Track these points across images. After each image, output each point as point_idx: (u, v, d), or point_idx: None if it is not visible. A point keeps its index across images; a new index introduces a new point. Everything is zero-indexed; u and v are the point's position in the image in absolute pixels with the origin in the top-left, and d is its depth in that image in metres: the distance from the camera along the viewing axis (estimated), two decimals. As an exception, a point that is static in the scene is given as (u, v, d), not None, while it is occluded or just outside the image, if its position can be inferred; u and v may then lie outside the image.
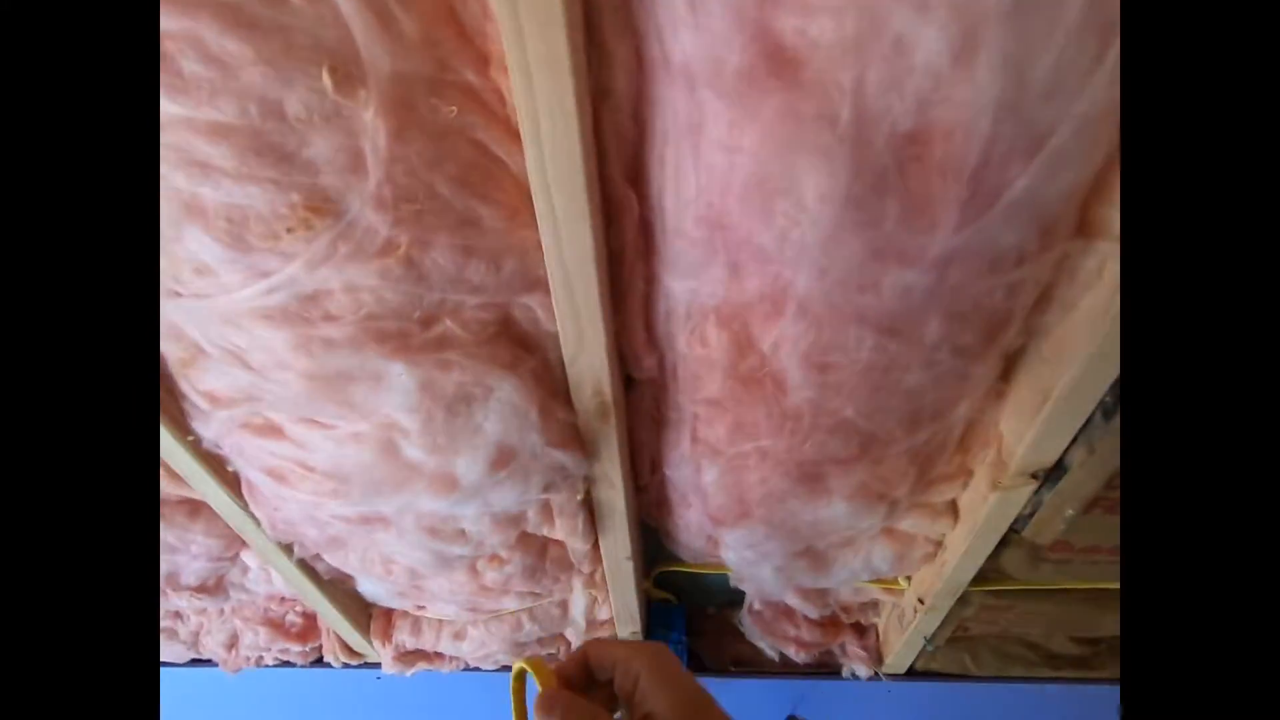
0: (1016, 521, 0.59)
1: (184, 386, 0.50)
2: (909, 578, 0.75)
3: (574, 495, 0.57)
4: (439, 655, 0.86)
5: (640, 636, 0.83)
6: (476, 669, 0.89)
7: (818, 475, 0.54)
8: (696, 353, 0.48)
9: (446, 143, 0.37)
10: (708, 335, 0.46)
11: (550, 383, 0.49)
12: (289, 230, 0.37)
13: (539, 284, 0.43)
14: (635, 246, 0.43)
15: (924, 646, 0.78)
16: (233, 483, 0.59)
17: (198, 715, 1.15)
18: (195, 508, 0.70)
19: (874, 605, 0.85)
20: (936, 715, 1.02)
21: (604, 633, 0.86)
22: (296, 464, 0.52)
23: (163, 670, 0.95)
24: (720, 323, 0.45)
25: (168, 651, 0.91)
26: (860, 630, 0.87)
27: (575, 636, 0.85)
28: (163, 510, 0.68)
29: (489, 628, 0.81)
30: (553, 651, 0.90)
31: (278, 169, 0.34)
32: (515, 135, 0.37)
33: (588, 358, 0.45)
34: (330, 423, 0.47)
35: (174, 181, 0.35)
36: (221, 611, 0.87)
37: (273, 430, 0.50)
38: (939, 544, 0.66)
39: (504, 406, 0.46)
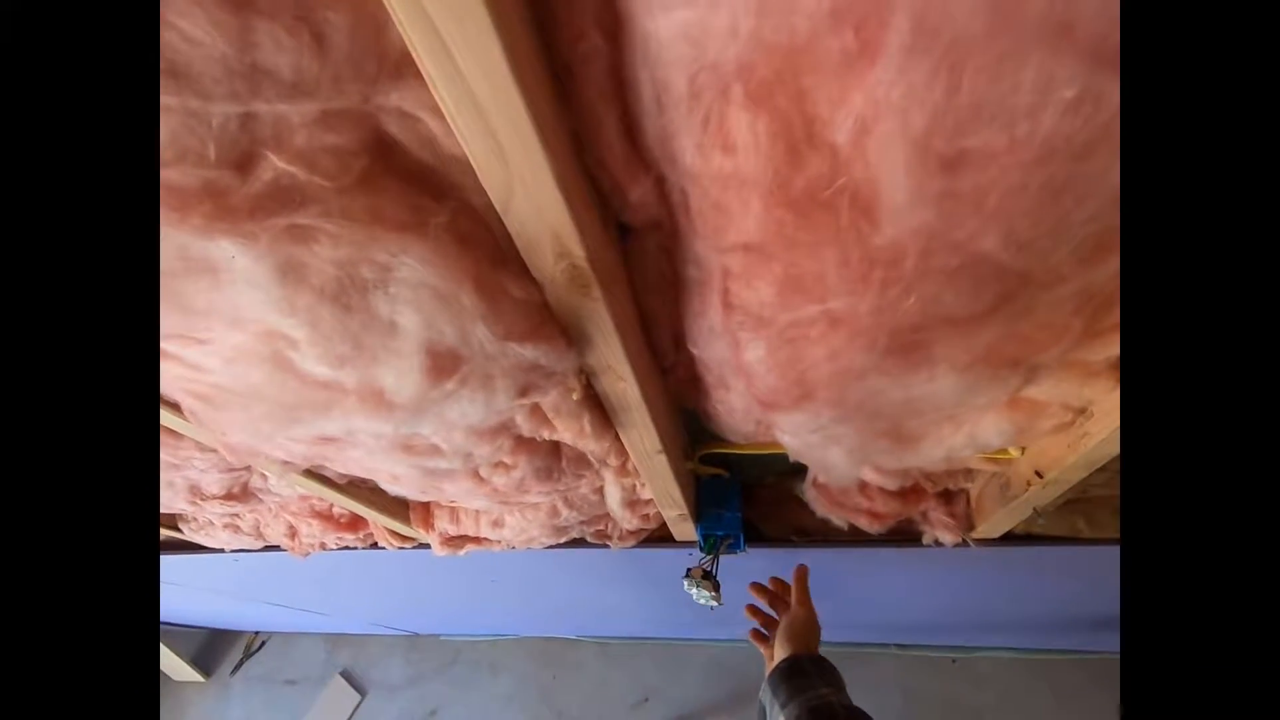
0: (1224, 380, 0.40)
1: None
2: (1023, 447, 0.59)
3: (568, 394, 0.42)
4: (483, 538, 0.84)
5: (689, 519, 0.75)
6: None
7: (918, 344, 0.36)
8: (715, 165, 0.28)
9: None
10: (732, 128, 0.26)
11: (487, 242, 0.31)
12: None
13: (406, 62, 0.24)
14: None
15: (1033, 516, 0.65)
16: (175, 406, 0.49)
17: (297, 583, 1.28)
18: (178, 425, 0.63)
19: (966, 473, 0.71)
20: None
21: (650, 510, 0.79)
22: (211, 386, 0.40)
23: (241, 556, 1.02)
24: (752, 99, 0.24)
25: (237, 542, 0.96)
26: (947, 496, 0.75)
27: (619, 518, 0.79)
28: (141, 431, 0.62)
29: (525, 515, 0.75)
30: (600, 528, 0.85)
31: None
32: None
33: (528, 198, 0.27)
34: (199, 336, 0.34)
35: None
36: (271, 509, 0.88)
37: (154, 349, 0.38)
38: (1081, 411, 0.48)
39: (414, 290, 0.29)
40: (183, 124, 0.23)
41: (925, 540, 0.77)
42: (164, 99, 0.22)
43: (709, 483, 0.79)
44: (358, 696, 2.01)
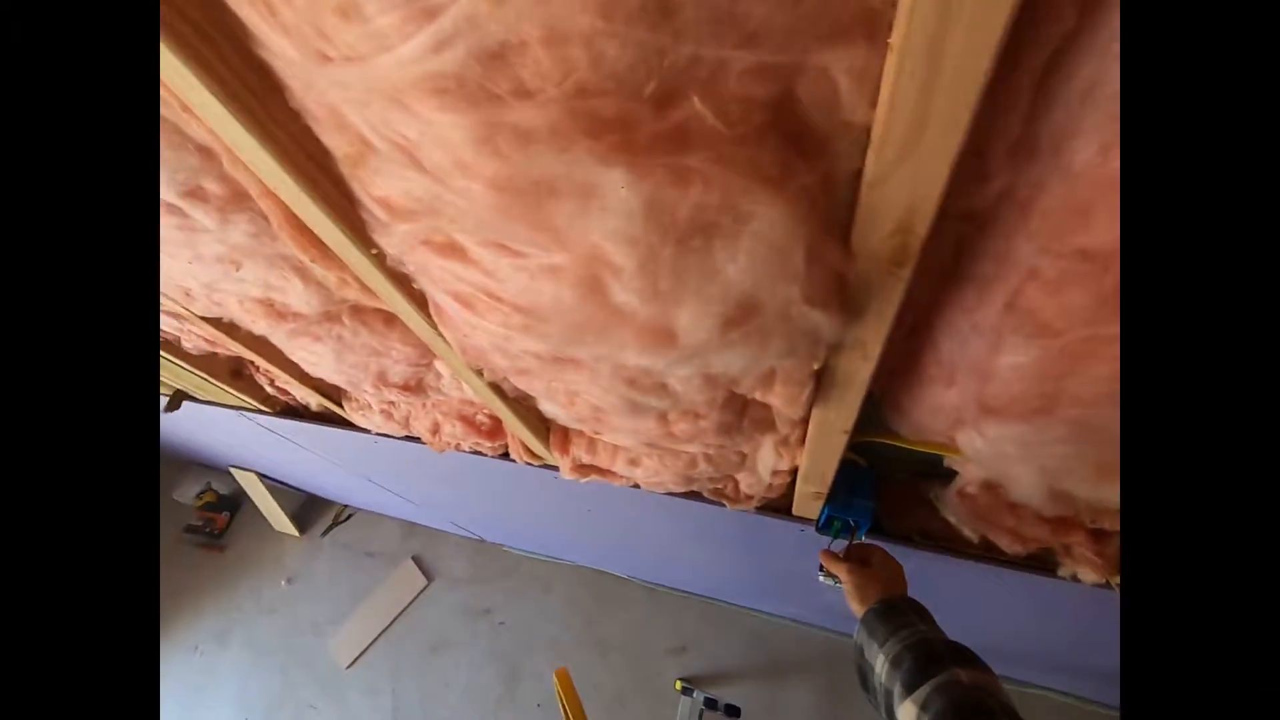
0: None
1: (358, 191, 0.42)
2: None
3: (810, 364, 0.44)
4: (612, 472, 0.89)
5: (822, 498, 0.76)
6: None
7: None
8: (1112, 169, 0.27)
9: None
10: (1161, 134, 0.25)
11: (828, 210, 0.32)
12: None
13: (860, 23, 0.24)
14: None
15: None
16: (420, 301, 0.55)
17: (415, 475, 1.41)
18: (391, 316, 0.70)
19: (1134, 515, 0.68)
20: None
21: (778, 481, 0.81)
22: (484, 292, 0.44)
23: (381, 439, 1.13)
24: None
25: (387, 427, 1.06)
26: (1099, 535, 0.72)
27: (749, 482, 0.81)
28: (362, 316, 0.69)
29: (664, 460, 0.79)
30: (720, 486, 0.88)
31: None
32: None
33: (913, 172, 0.27)
34: (522, 249, 0.37)
35: None
36: (425, 405, 0.96)
37: (456, 251, 0.42)
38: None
39: (760, 244, 0.31)
40: (642, 59, 0.25)
41: (1062, 573, 0.75)
42: (642, 35, 0.24)
43: (844, 467, 0.80)
44: (425, 581, 2.23)
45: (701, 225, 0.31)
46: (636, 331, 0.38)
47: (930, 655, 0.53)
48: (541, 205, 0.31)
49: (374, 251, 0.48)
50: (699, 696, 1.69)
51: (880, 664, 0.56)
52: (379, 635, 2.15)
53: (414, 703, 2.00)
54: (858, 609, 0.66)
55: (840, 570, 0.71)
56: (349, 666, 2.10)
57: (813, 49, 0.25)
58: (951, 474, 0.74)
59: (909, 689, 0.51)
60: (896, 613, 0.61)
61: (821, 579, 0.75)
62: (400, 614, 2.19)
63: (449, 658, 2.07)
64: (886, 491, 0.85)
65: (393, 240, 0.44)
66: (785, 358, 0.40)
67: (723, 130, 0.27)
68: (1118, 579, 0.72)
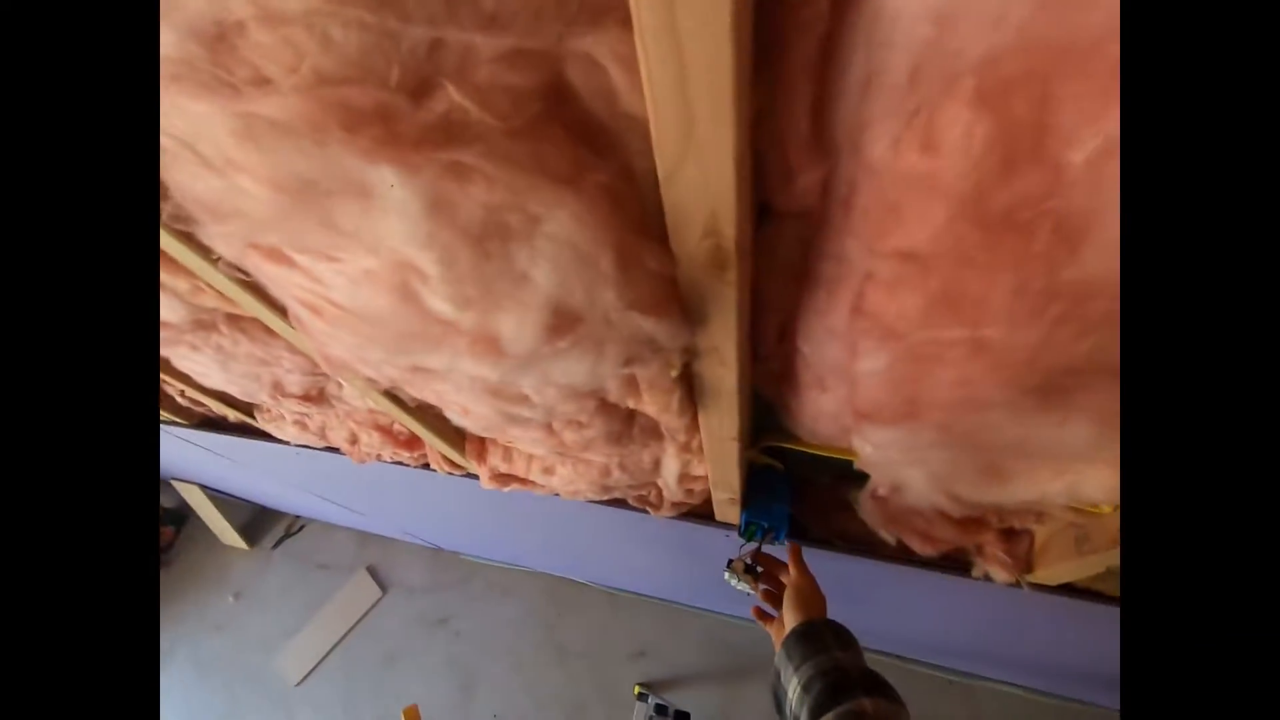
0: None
1: (174, 191, 0.39)
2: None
3: (667, 371, 0.42)
4: (530, 481, 0.86)
5: (737, 503, 0.75)
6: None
7: (1062, 388, 0.33)
8: (907, 164, 0.25)
9: None
10: (943, 126, 0.23)
11: (635, 209, 0.30)
12: None
13: (613, 5, 0.22)
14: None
15: (1105, 573, 0.62)
16: (281, 309, 0.51)
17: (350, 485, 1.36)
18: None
19: (1039, 514, 0.68)
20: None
21: (698, 487, 0.79)
22: (325, 300, 0.41)
23: (303, 450, 1.08)
24: (983, 98, 0.21)
25: (302, 438, 1.02)
26: (1009, 534, 0.72)
27: (667, 490, 0.79)
28: (240, 324, 0.65)
29: (576, 469, 0.77)
30: (643, 494, 0.86)
31: None
32: None
33: (698, 169, 0.25)
34: (333, 254, 0.34)
35: None
36: (338, 415, 0.92)
37: (282, 258, 0.38)
38: (1208, 485, 0.44)
39: (558, 247, 0.28)
40: (375, 44, 0.22)
41: (975, 573, 0.75)
42: (364, 16, 0.21)
43: (761, 472, 0.79)
44: (379, 592, 2.17)
45: (495, 227, 0.28)
46: (467, 341, 0.36)
47: (840, 683, 0.52)
48: (322, 205, 0.29)
49: (214, 258, 0.45)
50: (651, 702, 1.67)
51: (792, 689, 0.55)
52: (331, 649, 2.08)
53: (367, 717, 1.95)
54: (776, 634, 0.65)
55: (792, 573, 0.69)
56: (299, 684, 2.03)
57: (568, 33, 0.23)
58: (866, 477, 0.73)
59: (815, 715, 0.50)
60: (812, 637, 0.60)
61: (727, 577, 0.74)
62: (354, 626, 2.13)
63: (404, 669, 2.01)
64: (809, 496, 0.84)
65: (219, 244, 0.41)
66: (631, 365, 0.38)
67: (493, 123, 0.25)
68: (1029, 578, 0.72)
